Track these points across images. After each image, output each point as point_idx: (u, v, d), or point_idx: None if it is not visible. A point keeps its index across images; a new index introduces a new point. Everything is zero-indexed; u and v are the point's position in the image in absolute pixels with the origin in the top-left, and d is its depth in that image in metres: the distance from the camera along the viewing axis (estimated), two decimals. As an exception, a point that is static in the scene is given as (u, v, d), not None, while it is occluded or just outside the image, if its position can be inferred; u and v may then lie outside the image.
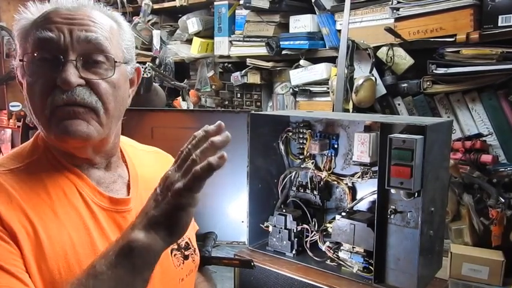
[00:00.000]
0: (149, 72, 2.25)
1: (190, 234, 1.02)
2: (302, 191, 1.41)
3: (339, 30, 1.91)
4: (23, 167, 0.83)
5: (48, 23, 0.81)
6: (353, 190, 1.34)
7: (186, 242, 1.00)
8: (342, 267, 1.27)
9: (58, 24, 0.80)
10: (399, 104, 1.82)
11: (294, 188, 1.44)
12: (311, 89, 2.05)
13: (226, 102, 2.45)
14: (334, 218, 1.28)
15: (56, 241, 0.77)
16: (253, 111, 1.51)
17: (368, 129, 1.26)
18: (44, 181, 0.82)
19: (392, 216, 1.17)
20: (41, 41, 0.79)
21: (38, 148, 0.87)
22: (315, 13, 2.01)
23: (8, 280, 0.70)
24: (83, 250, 0.79)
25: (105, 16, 0.87)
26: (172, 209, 0.72)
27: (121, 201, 0.89)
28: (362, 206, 1.32)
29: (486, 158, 1.53)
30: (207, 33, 2.50)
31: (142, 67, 2.04)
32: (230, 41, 2.36)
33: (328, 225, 1.33)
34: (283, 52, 2.10)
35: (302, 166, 1.42)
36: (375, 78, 1.81)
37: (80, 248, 0.79)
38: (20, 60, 0.82)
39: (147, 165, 1.02)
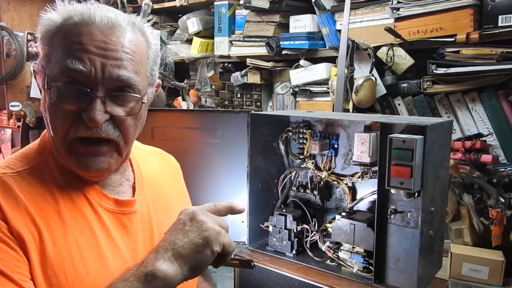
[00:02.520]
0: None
1: None
2: (302, 191, 1.41)
3: (339, 30, 1.91)
4: (30, 169, 0.83)
5: (80, 50, 0.76)
6: (353, 190, 1.34)
7: None
8: (342, 267, 1.27)
9: (91, 55, 0.76)
10: (399, 104, 1.82)
11: (294, 188, 1.44)
12: (311, 89, 2.05)
13: (226, 102, 2.45)
14: (334, 218, 1.28)
15: (62, 245, 0.77)
16: (253, 111, 1.52)
17: (368, 129, 1.26)
18: (50, 185, 0.82)
19: (392, 216, 1.17)
20: (72, 71, 0.76)
21: (45, 149, 0.87)
22: (315, 13, 2.01)
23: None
24: (89, 253, 0.80)
25: (137, 36, 0.83)
26: (202, 245, 0.74)
27: (126, 202, 0.89)
28: (362, 206, 1.32)
29: (486, 158, 1.53)
30: (207, 33, 2.50)
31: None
32: (230, 41, 2.36)
33: (328, 225, 1.32)
34: (283, 52, 2.10)
35: (302, 166, 1.42)
36: (375, 78, 1.81)
37: (86, 252, 0.79)
38: (46, 88, 0.79)
39: (152, 166, 1.03)
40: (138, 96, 0.82)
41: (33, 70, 0.85)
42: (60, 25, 0.79)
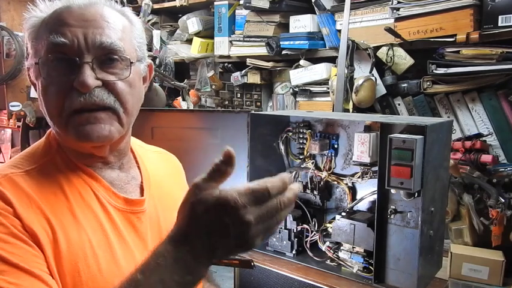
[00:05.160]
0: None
1: None
2: (302, 191, 1.41)
3: (339, 30, 1.90)
4: (38, 167, 0.82)
5: (61, 25, 0.79)
6: (353, 190, 1.34)
7: None
8: (342, 267, 1.27)
9: (72, 27, 0.78)
10: (399, 104, 1.82)
11: (294, 188, 1.44)
12: (311, 89, 2.05)
13: (226, 102, 2.45)
14: (334, 218, 1.28)
15: (75, 243, 0.77)
16: (253, 111, 1.52)
17: (368, 129, 1.27)
18: (60, 182, 0.82)
19: (392, 216, 1.17)
20: (55, 46, 0.78)
21: (51, 148, 0.87)
22: (315, 13, 2.01)
23: (31, 282, 0.70)
24: (101, 252, 0.79)
25: (117, 13, 0.85)
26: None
27: (135, 202, 0.89)
28: (362, 206, 1.32)
29: (486, 158, 1.53)
30: (207, 33, 2.50)
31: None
32: (230, 41, 2.36)
33: (328, 225, 1.33)
34: (283, 52, 2.10)
35: (302, 166, 1.42)
36: (375, 78, 1.81)
37: (98, 250, 0.79)
38: (35, 63, 0.81)
39: (156, 166, 1.03)
40: (126, 57, 0.82)
41: (27, 68, 0.86)
42: (44, 18, 0.82)
